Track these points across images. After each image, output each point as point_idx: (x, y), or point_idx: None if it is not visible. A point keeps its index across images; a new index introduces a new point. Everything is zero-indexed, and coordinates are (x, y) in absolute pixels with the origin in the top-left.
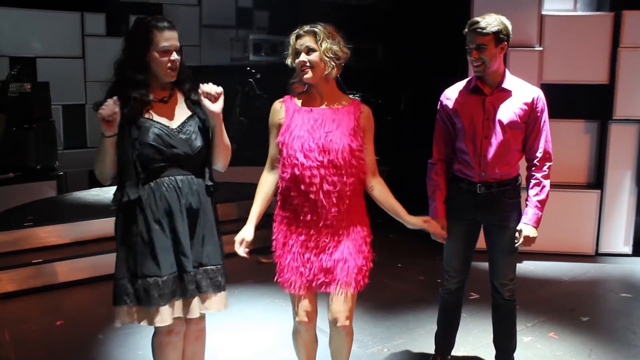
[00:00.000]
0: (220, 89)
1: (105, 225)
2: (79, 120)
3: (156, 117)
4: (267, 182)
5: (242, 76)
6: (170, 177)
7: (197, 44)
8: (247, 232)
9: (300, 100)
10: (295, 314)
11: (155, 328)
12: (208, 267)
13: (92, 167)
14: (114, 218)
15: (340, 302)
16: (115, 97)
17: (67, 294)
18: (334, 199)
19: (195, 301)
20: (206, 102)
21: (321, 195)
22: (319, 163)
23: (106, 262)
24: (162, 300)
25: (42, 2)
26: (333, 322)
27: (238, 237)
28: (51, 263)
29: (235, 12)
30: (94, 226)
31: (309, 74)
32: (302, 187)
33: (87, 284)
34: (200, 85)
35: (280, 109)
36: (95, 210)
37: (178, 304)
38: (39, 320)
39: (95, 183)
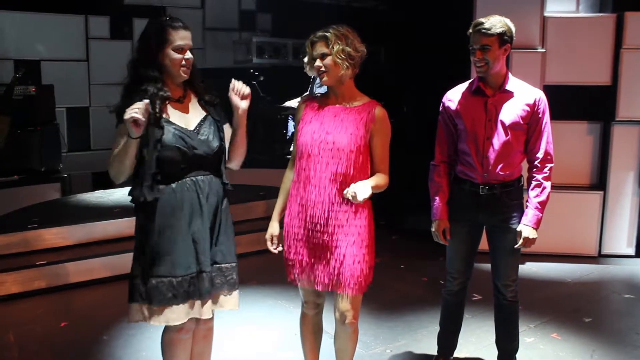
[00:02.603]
0: (248, 90)
1: (109, 227)
2: (83, 122)
3: (174, 118)
4: (288, 179)
5: (245, 79)
6: (192, 177)
7: (201, 46)
8: (274, 229)
9: (319, 100)
10: (304, 301)
11: (166, 325)
12: (222, 265)
13: (96, 169)
14: (117, 220)
15: (347, 300)
16: (146, 101)
17: (71, 295)
18: (337, 196)
19: (209, 302)
20: (234, 98)
21: (325, 192)
22: (322, 160)
23: (111, 264)
24: (175, 300)
25: (46, 5)
26: (340, 320)
27: (267, 236)
28: (55, 265)
29: (239, 15)
30: (98, 228)
31: (325, 78)
32: (308, 182)
33: (91, 285)
34: (232, 80)
35: (300, 108)
36: (99, 212)
37: (194, 304)
38: (43, 322)
39: (99, 185)
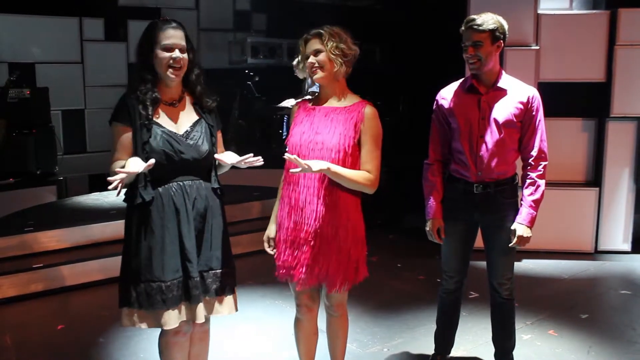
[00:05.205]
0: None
1: (106, 229)
2: (79, 125)
3: (164, 122)
4: None
5: (240, 79)
6: (179, 182)
7: (195, 47)
8: (270, 231)
9: (312, 101)
10: (297, 304)
11: (161, 329)
12: (218, 270)
13: (91, 171)
14: (113, 222)
15: (335, 294)
16: (151, 162)
17: (67, 298)
18: (323, 196)
19: (201, 306)
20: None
21: (314, 192)
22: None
23: (107, 266)
24: (165, 305)
25: (40, 7)
26: (329, 307)
27: (264, 237)
28: (52, 267)
29: (233, 15)
30: (94, 230)
31: (318, 74)
32: (297, 183)
33: (87, 287)
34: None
35: (294, 110)
36: (95, 215)
37: (184, 308)
38: (40, 325)
39: (95, 187)
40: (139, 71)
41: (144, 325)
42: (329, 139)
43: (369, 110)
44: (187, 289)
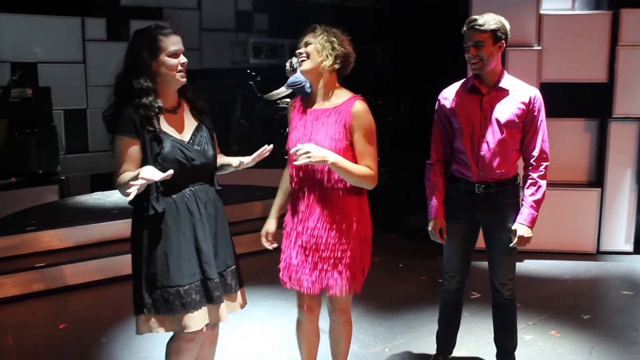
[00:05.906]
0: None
1: (107, 229)
2: (81, 124)
3: (169, 130)
4: (286, 178)
5: (242, 79)
6: (191, 187)
7: (198, 47)
8: (270, 226)
9: (304, 102)
10: (299, 305)
11: (175, 333)
12: (231, 268)
13: (93, 171)
14: (115, 222)
15: (338, 298)
16: (170, 171)
17: (70, 297)
18: (323, 198)
19: (223, 306)
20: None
21: (310, 194)
22: (307, 165)
23: (109, 266)
24: (185, 308)
25: (42, 7)
26: (332, 312)
27: (262, 232)
28: (54, 267)
29: (235, 16)
30: (96, 230)
31: (304, 65)
32: (295, 184)
33: (89, 287)
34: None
35: (290, 110)
36: (97, 214)
37: (205, 310)
38: (42, 324)
39: (97, 187)
40: (136, 81)
41: (161, 330)
42: (322, 144)
43: (357, 106)
44: (207, 291)
